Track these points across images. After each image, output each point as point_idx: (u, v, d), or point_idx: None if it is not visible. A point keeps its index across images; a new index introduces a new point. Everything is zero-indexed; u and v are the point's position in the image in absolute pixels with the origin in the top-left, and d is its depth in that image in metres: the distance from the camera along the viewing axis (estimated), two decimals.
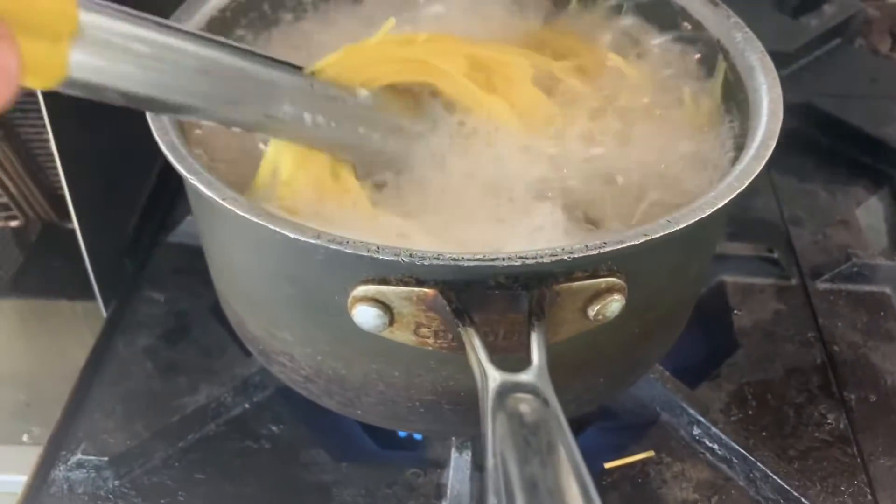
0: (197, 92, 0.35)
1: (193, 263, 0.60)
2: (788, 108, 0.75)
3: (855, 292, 0.61)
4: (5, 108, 0.22)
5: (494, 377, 0.31)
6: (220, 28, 0.49)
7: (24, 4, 0.25)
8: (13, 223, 0.75)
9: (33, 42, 0.25)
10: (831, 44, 0.86)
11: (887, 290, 0.61)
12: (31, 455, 0.52)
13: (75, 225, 0.57)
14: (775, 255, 0.62)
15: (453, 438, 0.49)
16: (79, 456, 0.49)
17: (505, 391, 0.30)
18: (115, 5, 0.31)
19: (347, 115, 0.42)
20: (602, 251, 0.35)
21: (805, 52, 0.83)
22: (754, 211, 0.67)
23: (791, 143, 0.75)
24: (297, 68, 0.39)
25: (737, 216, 0.66)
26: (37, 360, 0.69)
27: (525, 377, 0.31)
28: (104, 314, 0.60)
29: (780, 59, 0.79)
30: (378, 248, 0.35)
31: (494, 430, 0.28)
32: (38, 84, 0.28)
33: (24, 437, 0.60)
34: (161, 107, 0.35)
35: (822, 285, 0.62)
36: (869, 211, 0.69)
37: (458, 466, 0.48)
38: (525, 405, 0.29)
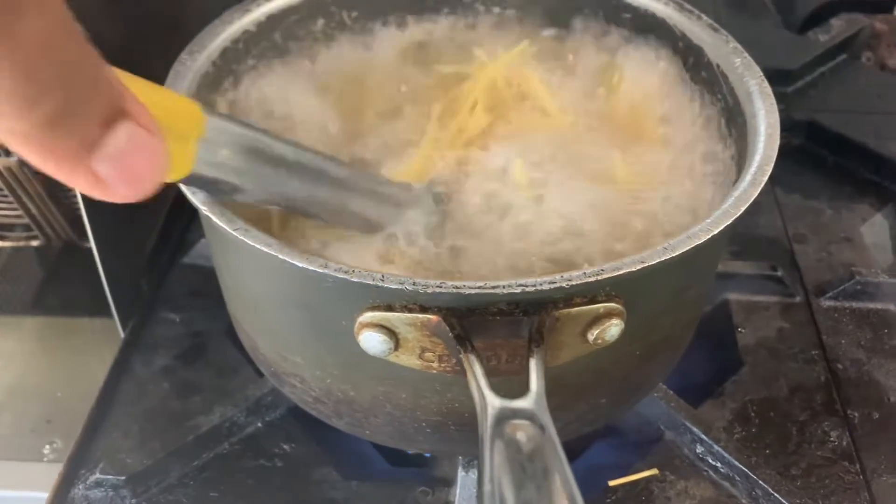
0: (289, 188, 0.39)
1: (208, 285, 0.61)
2: (794, 126, 0.77)
3: (859, 310, 0.62)
4: (144, 197, 0.25)
5: (493, 403, 0.32)
6: (233, 58, 0.51)
7: (163, 109, 0.29)
8: (34, 243, 0.77)
9: (170, 142, 0.28)
10: (837, 59, 0.86)
11: (891, 307, 0.62)
12: (51, 471, 0.53)
13: (93, 246, 0.59)
14: (779, 273, 0.63)
15: (460, 457, 0.50)
16: (97, 475, 0.50)
17: (503, 417, 0.32)
18: (230, 114, 0.37)
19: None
20: (599, 278, 0.37)
21: (811, 69, 0.83)
22: (759, 229, 0.68)
23: (796, 161, 0.77)
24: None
25: (741, 234, 0.67)
26: (57, 377, 0.70)
27: (523, 404, 0.32)
28: (121, 334, 0.61)
29: (786, 76, 0.81)
30: (383, 276, 0.36)
31: (492, 456, 0.29)
32: (169, 177, 0.31)
33: (46, 450, 0.61)
34: (267, 199, 0.40)
35: (825, 303, 0.62)
36: (874, 228, 0.70)
37: (464, 485, 0.49)
38: (522, 432, 0.30)
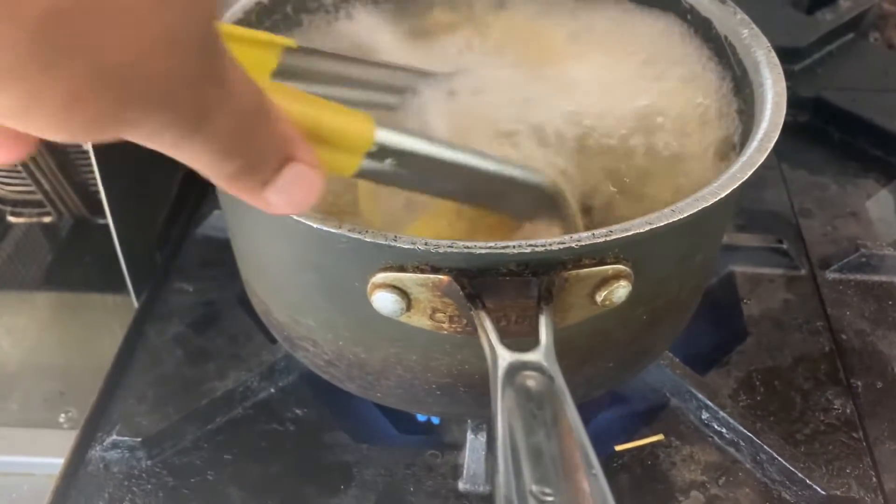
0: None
1: (221, 255, 0.62)
2: (800, 102, 0.78)
3: (863, 282, 0.62)
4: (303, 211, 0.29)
5: (504, 357, 0.33)
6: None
7: (335, 128, 0.33)
8: (46, 219, 0.78)
9: (335, 153, 0.33)
10: (844, 38, 0.87)
11: (895, 279, 0.63)
12: (65, 439, 0.54)
13: (109, 220, 0.59)
14: (784, 246, 0.64)
15: (469, 421, 0.51)
16: (114, 437, 0.51)
17: (514, 369, 0.32)
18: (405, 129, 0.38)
19: None
20: (608, 239, 0.37)
21: (818, 47, 0.84)
22: (765, 203, 0.69)
23: (803, 137, 0.77)
24: None
25: (747, 208, 0.67)
26: (69, 351, 0.72)
27: (533, 356, 0.33)
28: (136, 304, 0.62)
29: (793, 54, 0.82)
30: (395, 237, 0.37)
31: (503, 404, 0.30)
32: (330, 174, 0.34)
33: (62, 418, 0.63)
34: (411, 188, 0.41)
35: (830, 275, 0.63)
36: (879, 203, 0.70)
37: (473, 448, 0.50)
38: (532, 381, 0.31)
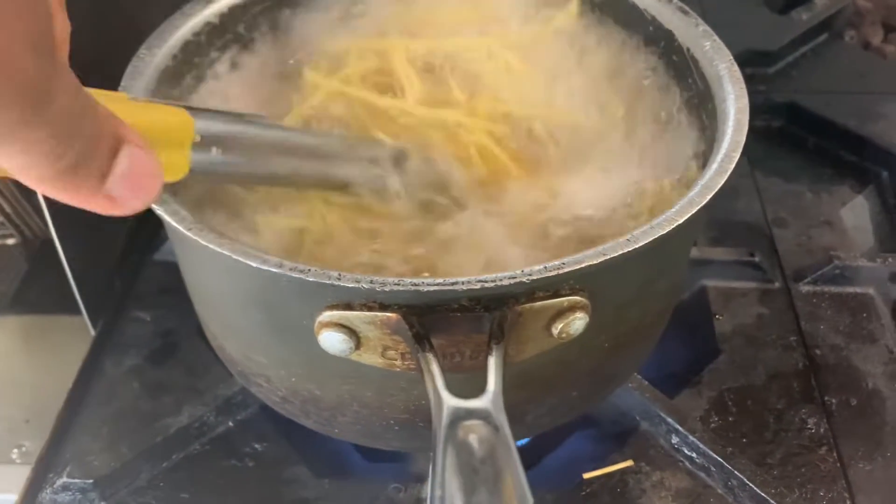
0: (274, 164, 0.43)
1: (180, 282, 0.60)
2: (773, 108, 0.76)
3: (838, 294, 0.61)
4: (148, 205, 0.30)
5: (448, 403, 0.32)
6: (195, 51, 0.50)
7: (154, 124, 0.34)
8: (10, 241, 0.76)
9: (165, 151, 0.33)
10: (819, 39, 0.85)
11: (870, 290, 0.61)
12: (24, 473, 0.53)
13: (57, 245, 0.58)
14: (757, 259, 0.62)
15: (432, 454, 0.49)
16: (64, 479, 0.49)
17: (458, 417, 0.31)
18: (217, 110, 0.40)
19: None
20: (561, 272, 0.36)
21: (792, 49, 0.83)
22: (737, 213, 0.67)
23: (776, 143, 0.76)
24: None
25: (719, 219, 0.66)
26: (36, 375, 0.70)
27: (478, 403, 0.31)
28: (91, 333, 0.61)
29: (767, 57, 0.80)
30: (339, 275, 0.35)
31: (444, 461, 0.28)
32: (168, 179, 0.35)
33: (14, 454, 0.61)
34: (254, 180, 0.44)
35: (804, 288, 0.62)
36: (854, 210, 0.69)
37: None
38: (475, 434, 0.30)
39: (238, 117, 0.41)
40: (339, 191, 0.45)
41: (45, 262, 0.77)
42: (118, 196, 0.28)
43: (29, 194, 0.71)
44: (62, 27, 0.32)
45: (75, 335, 0.70)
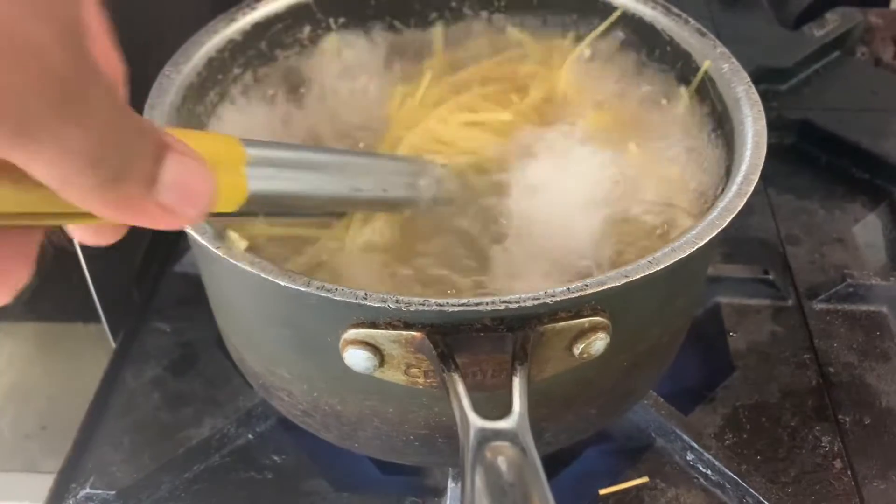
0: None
1: (199, 293, 0.61)
2: (786, 125, 0.77)
3: (851, 312, 0.62)
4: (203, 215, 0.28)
5: (475, 424, 0.32)
6: (218, 68, 0.51)
7: (204, 147, 0.31)
8: None
9: (218, 172, 0.30)
10: (831, 56, 0.86)
11: (883, 309, 0.62)
12: (45, 482, 0.53)
13: (80, 256, 0.58)
14: (771, 277, 0.63)
15: (450, 469, 0.50)
16: (87, 490, 0.50)
17: (485, 439, 0.31)
18: (270, 140, 0.40)
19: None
20: (583, 293, 0.36)
21: (805, 66, 0.83)
22: (751, 230, 0.68)
23: (789, 160, 0.76)
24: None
25: (733, 236, 0.66)
26: (52, 383, 0.71)
27: (505, 425, 0.32)
28: (112, 344, 0.61)
29: (780, 74, 0.81)
30: (366, 294, 0.36)
31: (473, 482, 0.29)
32: (225, 208, 0.34)
33: (40, 460, 0.62)
34: (311, 206, 0.42)
35: (818, 306, 0.62)
36: (867, 228, 0.69)
37: (454, 496, 0.49)
38: (503, 456, 0.30)
39: (286, 144, 0.41)
40: (394, 210, 0.45)
41: (60, 269, 0.78)
42: (169, 203, 0.26)
43: None
44: (96, 23, 0.29)
45: (90, 342, 0.71)
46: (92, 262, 0.59)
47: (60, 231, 0.75)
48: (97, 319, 0.67)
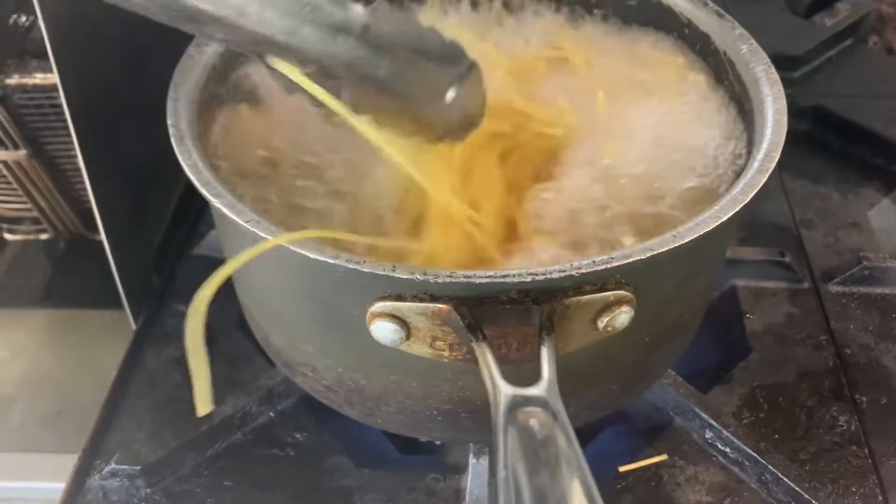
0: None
1: None
2: (800, 111, 0.77)
3: (867, 295, 0.62)
4: None
5: (506, 392, 0.33)
6: (222, 71, 0.50)
7: None
8: (43, 236, 0.77)
9: None
10: (843, 44, 0.86)
11: None
12: (61, 463, 0.54)
13: (104, 240, 0.59)
14: (787, 259, 0.63)
15: (471, 445, 0.50)
16: (112, 465, 0.50)
17: (516, 405, 0.32)
18: None
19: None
20: (609, 266, 0.37)
21: (817, 54, 0.83)
22: (766, 214, 0.68)
23: (803, 146, 0.77)
24: None
25: (748, 220, 0.67)
26: (67, 369, 0.71)
27: (535, 391, 0.32)
28: (133, 327, 0.62)
29: (792, 62, 0.81)
30: (394, 266, 0.37)
31: (506, 443, 0.29)
32: None
33: (58, 441, 0.62)
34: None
35: (833, 288, 0.62)
36: (881, 212, 0.70)
37: (476, 472, 0.49)
38: (535, 419, 0.31)
39: None
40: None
41: (75, 257, 0.79)
42: None
43: (65, 189, 0.72)
44: None
45: (106, 328, 0.72)
46: (113, 247, 0.59)
47: (75, 220, 0.75)
48: (111, 306, 0.68)
